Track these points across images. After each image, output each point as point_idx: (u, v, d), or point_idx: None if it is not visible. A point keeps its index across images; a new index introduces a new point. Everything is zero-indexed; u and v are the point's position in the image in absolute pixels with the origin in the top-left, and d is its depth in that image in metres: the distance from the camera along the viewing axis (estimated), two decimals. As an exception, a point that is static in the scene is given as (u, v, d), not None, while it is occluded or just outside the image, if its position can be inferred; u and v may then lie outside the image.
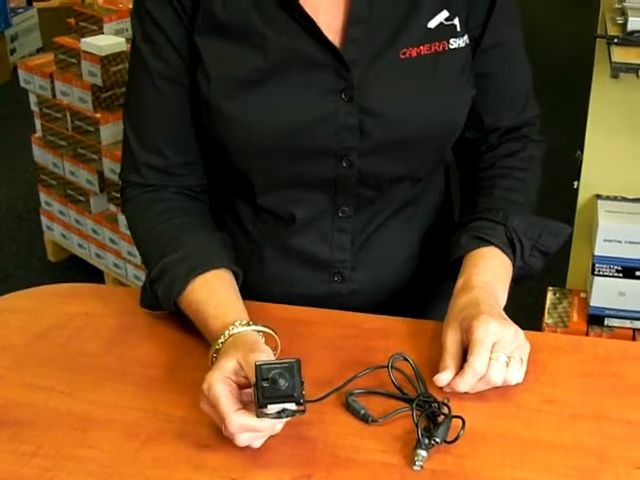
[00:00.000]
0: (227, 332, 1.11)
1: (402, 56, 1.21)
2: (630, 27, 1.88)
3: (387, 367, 1.10)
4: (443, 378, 1.10)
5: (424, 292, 1.40)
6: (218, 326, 1.14)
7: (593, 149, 2.17)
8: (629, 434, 1.04)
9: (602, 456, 1.01)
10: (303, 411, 0.99)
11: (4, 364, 1.20)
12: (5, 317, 1.30)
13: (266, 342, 1.12)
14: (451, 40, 1.23)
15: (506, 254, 1.24)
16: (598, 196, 2.18)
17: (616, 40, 1.88)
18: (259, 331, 1.13)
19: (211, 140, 1.26)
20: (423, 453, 1.00)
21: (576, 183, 2.22)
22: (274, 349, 1.13)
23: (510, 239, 1.24)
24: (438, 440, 1.01)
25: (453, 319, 1.15)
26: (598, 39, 2.05)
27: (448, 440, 1.02)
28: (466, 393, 1.09)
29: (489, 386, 1.09)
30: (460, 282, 1.21)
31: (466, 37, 1.25)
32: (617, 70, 1.85)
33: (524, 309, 2.93)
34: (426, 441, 1.01)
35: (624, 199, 2.17)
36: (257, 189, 1.27)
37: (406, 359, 1.11)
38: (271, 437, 1.03)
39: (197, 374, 1.12)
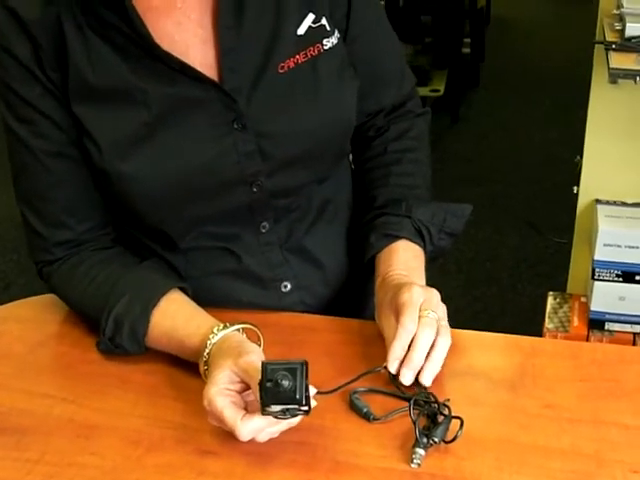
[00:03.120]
0: (208, 342, 1.11)
1: (281, 70, 1.20)
2: (628, 33, 1.89)
3: (386, 368, 1.12)
4: (395, 366, 1.11)
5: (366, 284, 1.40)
6: (196, 342, 1.14)
7: (592, 154, 2.17)
8: (627, 438, 1.05)
9: (600, 460, 1.02)
10: (307, 412, 1.00)
11: (7, 372, 1.21)
12: (7, 326, 1.31)
13: (248, 337, 1.13)
14: (324, 41, 1.23)
15: (416, 243, 1.27)
16: (598, 201, 2.19)
17: (614, 46, 1.89)
18: (238, 329, 1.14)
19: (117, 201, 1.23)
20: (421, 451, 1.01)
21: (576, 188, 2.23)
22: (257, 342, 1.13)
23: (418, 229, 1.28)
24: (437, 439, 1.02)
25: (381, 307, 1.19)
26: (596, 45, 2.06)
27: (447, 440, 1.03)
28: (462, 396, 1.10)
29: (423, 348, 1.10)
30: (378, 281, 1.24)
31: (336, 32, 1.25)
32: (615, 76, 1.86)
33: (524, 314, 2.95)
34: (424, 440, 1.02)
35: (624, 204, 2.18)
36: (175, 236, 1.25)
37: None
38: (271, 443, 1.04)
39: (198, 381, 1.13)
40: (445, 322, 1.15)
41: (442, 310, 1.16)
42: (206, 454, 1.05)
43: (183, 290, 1.22)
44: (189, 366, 1.17)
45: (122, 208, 1.24)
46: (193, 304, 1.20)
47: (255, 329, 1.16)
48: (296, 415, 1.00)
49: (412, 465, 1.01)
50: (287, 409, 0.99)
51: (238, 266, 1.29)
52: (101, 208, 1.26)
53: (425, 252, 1.29)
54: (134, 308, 1.18)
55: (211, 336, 1.12)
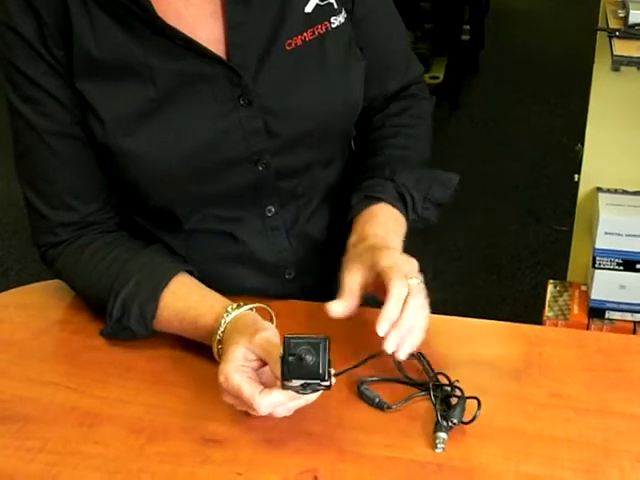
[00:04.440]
0: (223, 320, 1.11)
1: (288, 47, 1.20)
2: (631, 20, 1.88)
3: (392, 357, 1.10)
4: (334, 307, 1.09)
5: None
6: (210, 321, 1.13)
7: (594, 142, 2.17)
8: (633, 427, 1.05)
9: (607, 450, 1.02)
10: (328, 387, 1.00)
11: (9, 359, 1.20)
12: (9, 312, 1.31)
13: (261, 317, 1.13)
14: (331, 19, 1.23)
15: (397, 208, 1.25)
16: (599, 189, 2.19)
17: (617, 33, 1.88)
18: (251, 308, 1.14)
19: (121, 182, 1.22)
20: (443, 435, 1.01)
21: (577, 176, 2.22)
22: (269, 321, 1.13)
23: (400, 194, 1.26)
24: (455, 421, 1.02)
25: (351, 263, 1.14)
26: (599, 32, 2.05)
27: (465, 421, 1.03)
28: (467, 385, 1.09)
29: (414, 313, 1.07)
30: (353, 238, 1.21)
31: (344, 11, 1.24)
32: (618, 63, 1.85)
33: (525, 302, 2.95)
34: (444, 423, 1.02)
35: (625, 192, 2.18)
36: (181, 216, 1.24)
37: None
38: (276, 431, 1.04)
39: (202, 368, 1.13)
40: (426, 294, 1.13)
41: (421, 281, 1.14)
42: (210, 442, 1.04)
43: (190, 273, 1.22)
44: (193, 353, 1.17)
45: (125, 188, 1.23)
46: (202, 285, 1.20)
47: (268, 308, 1.16)
48: (317, 390, 1.00)
49: (437, 450, 1.01)
50: (308, 384, 0.99)
51: (242, 251, 1.28)
52: (106, 190, 1.25)
53: (407, 220, 1.26)
54: (143, 290, 1.17)
55: (225, 315, 1.11)
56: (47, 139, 1.19)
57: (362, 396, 1.09)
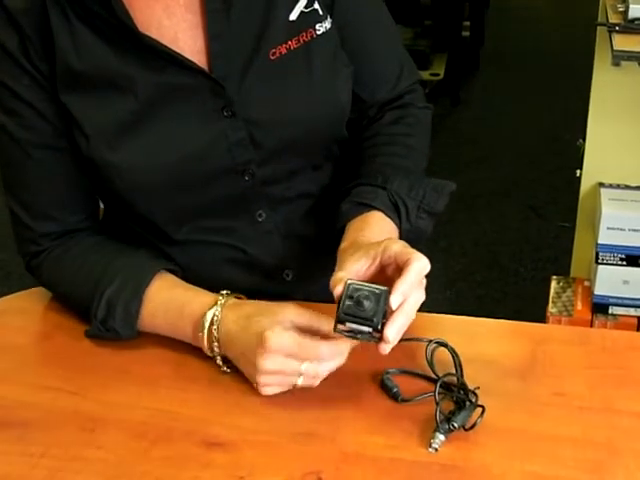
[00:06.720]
0: (219, 302, 1.11)
1: (272, 57, 1.18)
2: (631, 15, 1.88)
3: (425, 351, 1.10)
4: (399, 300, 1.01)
5: None
6: (197, 307, 1.12)
7: (595, 137, 2.17)
8: (638, 426, 1.04)
9: (611, 448, 1.01)
10: (378, 339, 1.00)
11: (9, 365, 1.19)
12: (9, 318, 1.30)
13: None
14: (317, 26, 1.21)
15: (390, 218, 1.20)
16: (601, 184, 2.19)
17: (617, 28, 1.88)
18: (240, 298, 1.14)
19: (107, 193, 1.22)
20: (441, 437, 1.01)
21: (579, 171, 2.23)
22: None
23: (393, 202, 1.20)
24: (456, 425, 1.01)
25: (352, 254, 1.08)
26: (599, 27, 2.05)
27: (466, 427, 1.02)
28: (471, 384, 1.09)
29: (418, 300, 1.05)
30: (345, 244, 1.15)
31: (329, 17, 1.23)
32: (618, 58, 1.85)
33: (528, 298, 2.94)
34: (445, 425, 1.01)
35: (627, 187, 2.18)
36: (170, 228, 1.24)
37: (444, 345, 1.11)
38: (278, 434, 1.03)
39: (203, 371, 1.12)
40: None
41: None
42: (213, 446, 1.04)
43: (174, 273, 1.21)
44: (194, 357, 1.16)
45: (113, 198, 1.23)
46: (186, 283, 1.19)
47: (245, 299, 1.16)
48: (366, 340, 1.01)
49: (429, 449, 1.00)
50: (360, 331, 1.00)
51: (237, 257, 1.28)
52: (91, 200, 1.26)
53: (400, 230, 1.21)
54: (126, 289, 1.17)
55: (220, 298, 1.12)
56: (30, 152, 1.19)
57: (382, 385, 1.10)
